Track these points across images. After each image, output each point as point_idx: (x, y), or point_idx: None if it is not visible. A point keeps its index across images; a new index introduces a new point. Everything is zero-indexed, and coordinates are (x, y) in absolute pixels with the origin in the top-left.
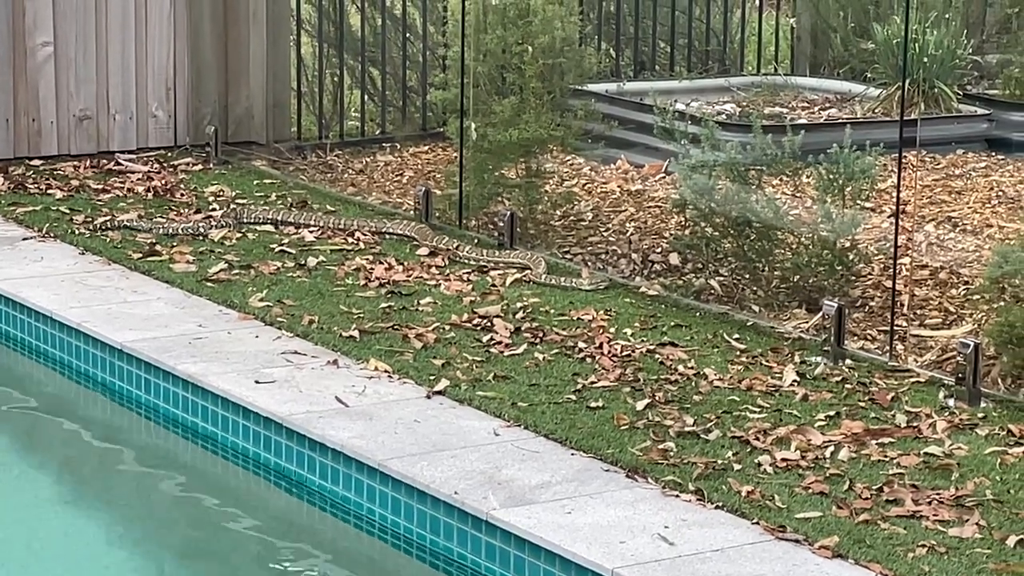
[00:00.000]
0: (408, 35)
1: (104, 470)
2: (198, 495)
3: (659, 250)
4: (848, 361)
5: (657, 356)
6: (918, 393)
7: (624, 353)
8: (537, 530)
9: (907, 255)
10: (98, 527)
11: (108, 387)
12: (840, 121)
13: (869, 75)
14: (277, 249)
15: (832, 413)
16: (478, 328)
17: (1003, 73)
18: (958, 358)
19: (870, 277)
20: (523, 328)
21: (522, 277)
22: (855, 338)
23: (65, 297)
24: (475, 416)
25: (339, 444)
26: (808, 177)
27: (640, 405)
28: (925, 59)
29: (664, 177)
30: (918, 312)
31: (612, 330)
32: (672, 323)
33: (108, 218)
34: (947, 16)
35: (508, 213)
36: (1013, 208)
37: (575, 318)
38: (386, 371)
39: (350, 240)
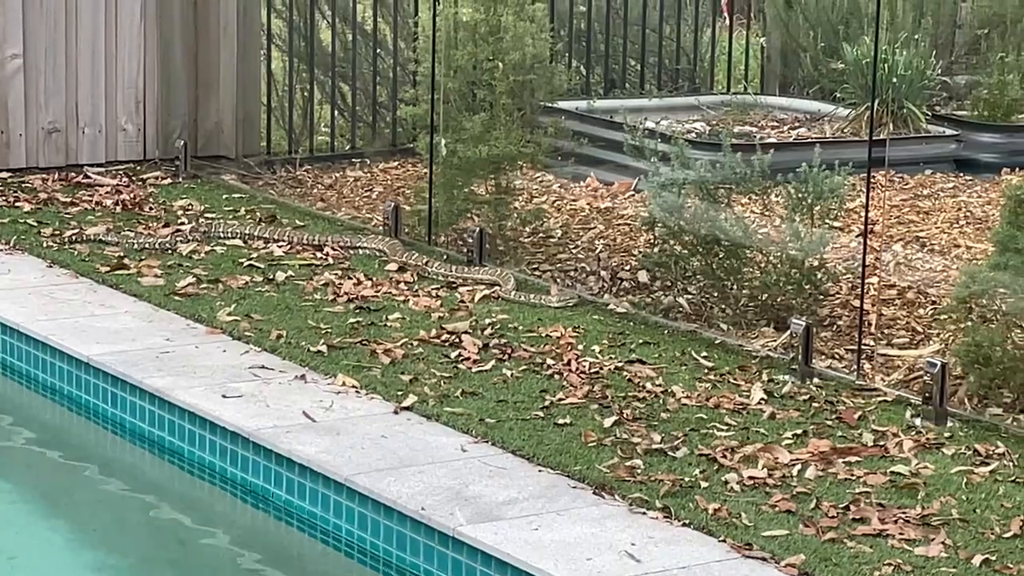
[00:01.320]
0: (379, 50)
1: (70, 484)
2: (164, 509)
3: (628, 268)
4: (816, 380)
5: (625, 373)
6: (885, 412)
7: (592, 370)
8: (504, 546)
9: (875, 275)
10: (63, 541)
11: (75, 401)
12: (809, 140)
13: (838, 95)
14: (245, 263)
15: (799, 431)
16: (446, 344)
17: (971, 94)
18: (925, 378)
19: (838, 296)
20: (491, 344)
21: (491, 293)
22: (823, 357)
23: (32, 310)
24: (443, 432)
25: (306, 459)
26: (777, 196)
27: (608, 422)
28: (894, 79)
29: (633, 195)
30: (886, 331)
31: (580, 347)
32: (640, 341)
33: (76, 231)
34: (916, 37)
35: (477, 229)
36: (980, 228)
37: (543, 335)
38: (354, 386)
39: (319, 255)
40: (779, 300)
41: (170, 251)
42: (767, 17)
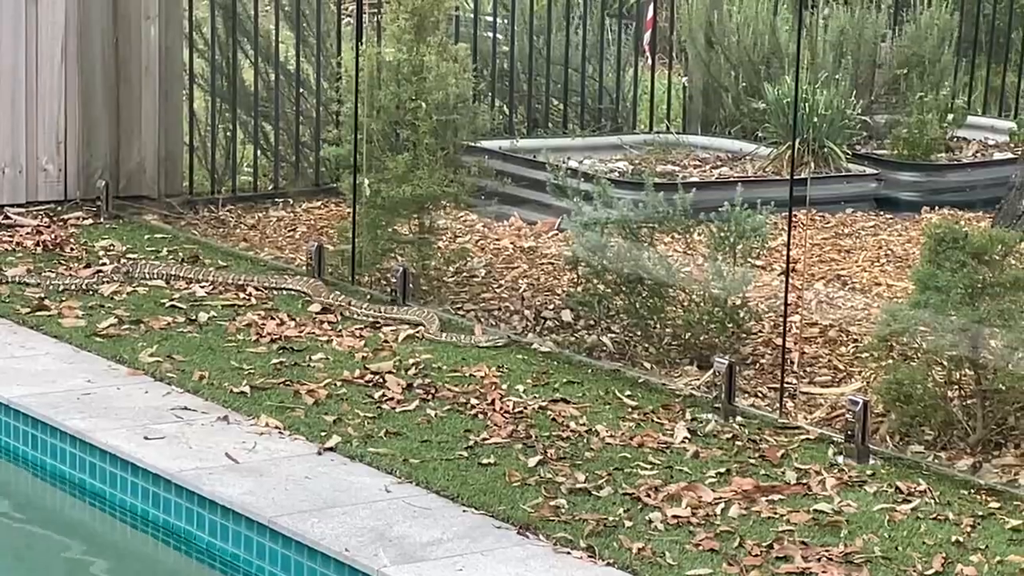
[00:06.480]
0: (302, 90)
1: None
2: (86, 553)
3: (552, 307)
4: (739, 418)
5: (549, 413)
6: (808, 450)
7: (516, 410)
8: None
9: (797, 313)
10: None
11: None
12: (731, 179)
13: (760, 134)
14: (168, 304)
15: (723, 470)
16: (370, 384)
17: (891, 133)
18: (847, 415)
19: (760, 335)
20: (415, 384)
21: (415, 333)
22: (746, 395)
23: None
24: (366, 472)
25: (229, 501)
26: (700, 235)
27: (532, 462)
28: (815, 119)
29: (557, 234)
30: (808, 370)
31: (504, 386)
32: (564, 380)
33: None
34: (837, 77)
35: (401, 269)
36: (901, 267)
37: (467, 374)
38: (277, 427)
39: (242, 295)
40: (702, 339)
41: (92, 292)
42: (688, 57)
